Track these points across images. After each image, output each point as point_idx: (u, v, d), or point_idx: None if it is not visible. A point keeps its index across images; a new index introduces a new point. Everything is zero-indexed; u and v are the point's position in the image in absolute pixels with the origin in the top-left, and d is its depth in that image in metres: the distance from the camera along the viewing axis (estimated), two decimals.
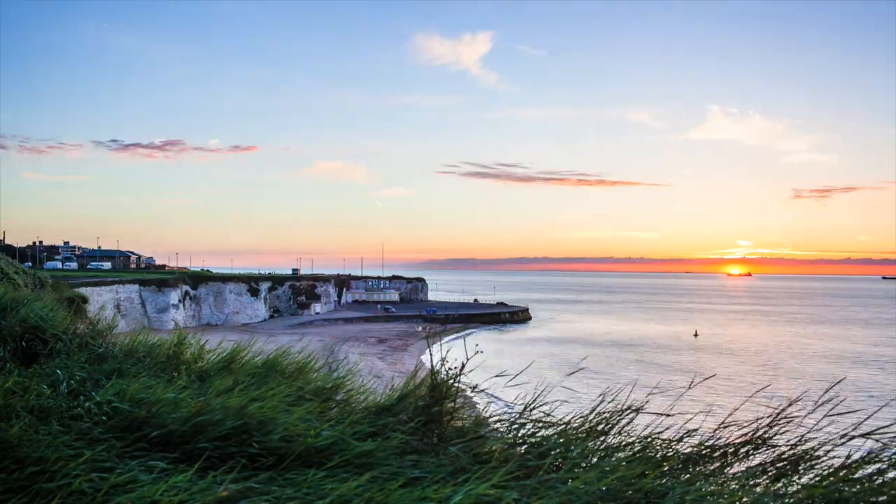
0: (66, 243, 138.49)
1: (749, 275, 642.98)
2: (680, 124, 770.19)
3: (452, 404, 3.69)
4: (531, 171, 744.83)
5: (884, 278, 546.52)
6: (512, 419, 3.51)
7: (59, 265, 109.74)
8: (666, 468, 2.85)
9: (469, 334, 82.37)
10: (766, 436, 2.99)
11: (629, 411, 3.35)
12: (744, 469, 2.87)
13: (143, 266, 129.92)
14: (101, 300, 61.83)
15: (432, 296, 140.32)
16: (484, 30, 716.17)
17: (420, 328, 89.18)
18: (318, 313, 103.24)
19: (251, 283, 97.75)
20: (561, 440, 3.20)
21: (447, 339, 64.65)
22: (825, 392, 3.23)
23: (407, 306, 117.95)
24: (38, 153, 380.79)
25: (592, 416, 3.35)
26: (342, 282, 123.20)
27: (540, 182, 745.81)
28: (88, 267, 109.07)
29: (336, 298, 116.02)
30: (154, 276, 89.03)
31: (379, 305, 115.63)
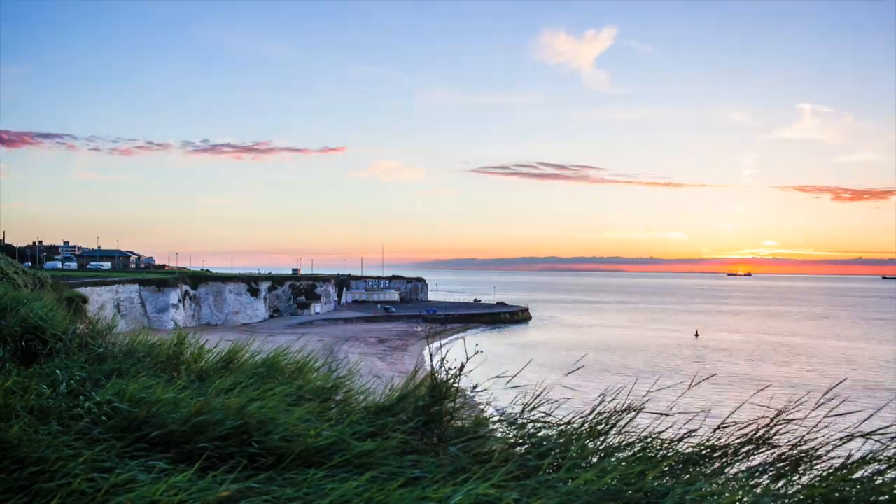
0: (66, 243, 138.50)
1: (748, 274, 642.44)
2: (771, 123, 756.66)
3: (452, 404, 3.68)
4: (605, 173, 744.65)
5: (884, 278, 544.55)
6: (512, 419, 3.51)
7: (59, 265, 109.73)
8: (666, 468, 2.85)
9: (469, 334, 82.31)
10: (767, 436, 2.99)
11: (629, 411, 3.34)
12: (744, 469, 2.87)
13: (142, 266, 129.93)
14: (100, 300, 61.81)
15: (432, 296, 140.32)
16: (609, 25, 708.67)
17: (420, 328, 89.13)
18: (318, 313, 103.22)
19: (251, 283, 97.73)
20: (561, 440, 3.20)
21: (447, 339, 64.44)
22: (826, 392, 3.23)
23: (407, 306, 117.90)
24: (127, 154, 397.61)
25: (592, 415, 3.35)
26: (342, 282, 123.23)
27: (609, 184, 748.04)
28: (88, 267, 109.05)
29: (336, 298, 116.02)
30: (154, 276, 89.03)
31: (379, 305, 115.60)
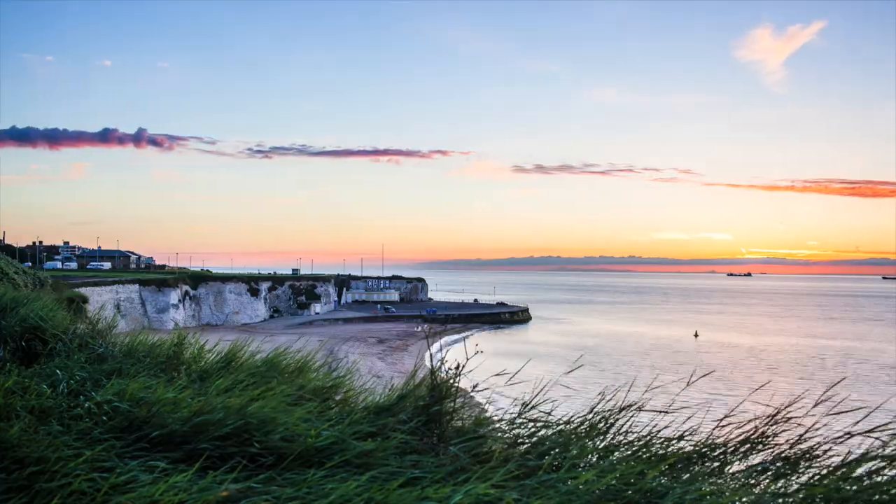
0: (66, 243, 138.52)
1: (748, 274, 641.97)
2: None
3: (452, 404, 3.68)
4: (705, 178, 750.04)
5: (884, 278, 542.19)
6: (512, 419, 3.51)
7: (59, 265, 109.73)
8: (666, 467, 2.85)
9: (469, 334, 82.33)
10: (766, 435, 2.99)
11: (629, 410, 3.34)
12: (744, 468, 2.87)
13: (142, 266, 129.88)
14: (101, 300, 61.75)
15: (432, 296, 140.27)
16: (819, 20, 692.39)
17: (420, 328, 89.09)
18: (317, 313, 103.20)
19: (251, 283, 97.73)
20: (561, 440, 3.20)
21: (447, 339, 64.62)
22: (825, 391, 3.23)
23: (407, 306, 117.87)
24: (267, 158, 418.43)
25: (592, 415, 3.35)
26: (342, 282, 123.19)
27: (707, 187, 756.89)
28: (88, 267, 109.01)
29: (336, 298, 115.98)
30: (154, 276, 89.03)
31: (379, 305, 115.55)
